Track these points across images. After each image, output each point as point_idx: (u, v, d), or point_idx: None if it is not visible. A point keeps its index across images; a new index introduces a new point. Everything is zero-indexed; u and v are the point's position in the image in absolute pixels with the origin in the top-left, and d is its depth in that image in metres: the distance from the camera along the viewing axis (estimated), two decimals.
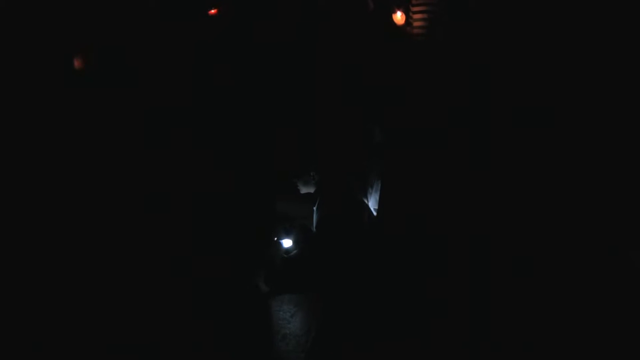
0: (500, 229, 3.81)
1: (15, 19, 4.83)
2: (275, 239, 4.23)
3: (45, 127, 4.76)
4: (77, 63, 5.00)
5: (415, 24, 5.18)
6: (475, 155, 4.07)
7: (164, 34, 5.18)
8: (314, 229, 4.33)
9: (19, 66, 4.77)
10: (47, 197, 4.51)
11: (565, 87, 4.03)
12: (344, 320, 3.71)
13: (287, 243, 4.20)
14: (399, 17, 5.03)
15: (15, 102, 4.69)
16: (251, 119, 4.92)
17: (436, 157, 4.12)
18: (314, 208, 4.36)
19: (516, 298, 3.51)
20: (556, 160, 3.90)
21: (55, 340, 3.66)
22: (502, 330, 3.39)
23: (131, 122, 4.80)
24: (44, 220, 4.38)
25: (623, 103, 3.89)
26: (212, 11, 5.26)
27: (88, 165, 4.64)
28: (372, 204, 4.39)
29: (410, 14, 5.20)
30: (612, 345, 3.20)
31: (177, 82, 5.00)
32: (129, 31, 5.18)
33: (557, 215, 3.77)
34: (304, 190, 4.53)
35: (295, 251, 4.19)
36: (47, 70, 4.88)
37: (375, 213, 4.36)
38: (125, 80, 5.01)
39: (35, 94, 4.78)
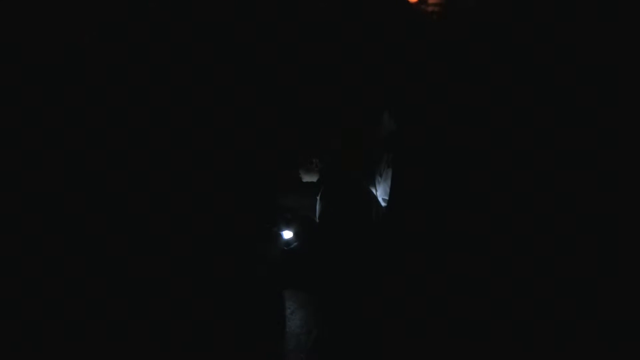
0: (516, 221, 3.68)
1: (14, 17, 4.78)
2: (275, 230, 4.09)
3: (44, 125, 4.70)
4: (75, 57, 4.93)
5: (431, 1, 5.00)
6: (495, 141, 3.89)
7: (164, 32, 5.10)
8: (317, 220, 4.14)
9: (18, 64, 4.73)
10: (48, 196, 4.47)
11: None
12: (348, 319, 3.58)
13: (287, 234, 4.05)
14: None
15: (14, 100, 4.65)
16: (247, 103, 4.79)
17: (452, 145, 3.93)
18: (317, 198, 4.16)
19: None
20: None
21: (55, 340, 3.66)
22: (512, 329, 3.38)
23: (129, 118, 4.74)
24: (44, 220, 4.34)
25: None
26: None
27: (88, 163, 4.60)
28: (381, 193, 4.19)
29: None
30: (611, 345, 3.21)
31: (176, 76, 4.92)
32: (129, 30, 5.10)
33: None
34: (306, 178, 4.34)
35: (296, 243, 4.03)
36: (45, 68, 4.84)
37: (383, 203, 4.15)
38: (125, 78, 4.92)
39: (34, 92, 4.73)
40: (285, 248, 4.02)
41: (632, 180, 3.64)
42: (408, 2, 4.85)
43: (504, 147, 3.80)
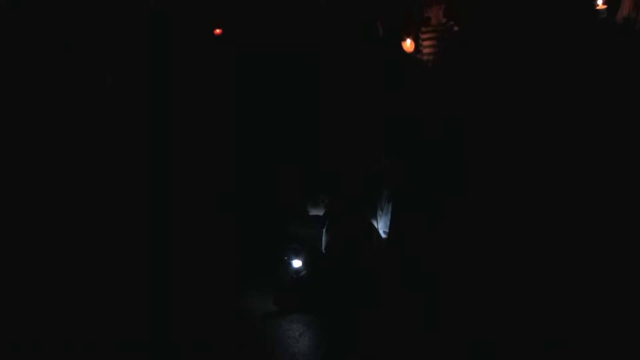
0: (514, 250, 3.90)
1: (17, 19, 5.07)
2: (285, 259, 4.28)
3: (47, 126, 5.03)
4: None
5: (425, 50, 5.35)
6: (486, 177, 4.18)
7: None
8: (323, 251, 4.38)
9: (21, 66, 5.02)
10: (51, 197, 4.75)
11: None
12: (352, 340, 3.74)
13: (296, 263, 4.24)
14: (408, 44, 5.20)
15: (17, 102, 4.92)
16: (261, 143, 5.04)
17: (449, 180, 4.23)
18: (323, 230, 4.41)
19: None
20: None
21: (54, 340, 3.78)
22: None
23: (140, 145, 5.04)
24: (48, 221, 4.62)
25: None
26: (217, 31, 5.44)
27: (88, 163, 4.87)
28: (382, 226, 4.46)
29: (420, 41, 5.37)
30: (613, 345, 3.23)
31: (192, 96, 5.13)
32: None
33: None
34: (313, 212, 4.60)
35: (304, 272, 4.23)
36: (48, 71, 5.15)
37: (384, 235, 4.43)
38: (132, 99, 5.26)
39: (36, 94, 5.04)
40: (295, 276, 4.23)
41: (632, 180, 3.81)
42: (405, 51, 5.21)
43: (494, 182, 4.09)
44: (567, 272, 3.70)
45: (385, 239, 4.40)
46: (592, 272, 3.67)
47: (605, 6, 4.84)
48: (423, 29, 5.40)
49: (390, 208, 4.40)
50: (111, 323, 3.91)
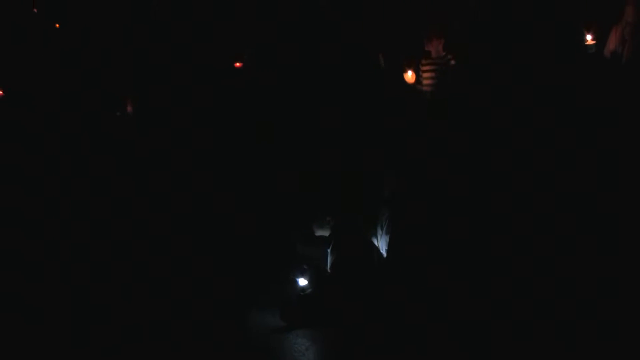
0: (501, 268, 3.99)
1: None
2: (292, 277, 4.42)
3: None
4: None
5: (425, 82, 5.67)
6: (485, 196, 4.32)
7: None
8: (328, 270, 4.55)
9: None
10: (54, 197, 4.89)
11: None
12: (356, 354, 3.87)
13: (302, 282, 4.38)
14: (409, 76, 5.51)
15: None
16: (271, 164, 5.24)
17: (447, 200, 4.38)
18: (328, 250, 4.57)
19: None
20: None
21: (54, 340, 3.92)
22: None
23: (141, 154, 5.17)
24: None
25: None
26: (237, 64, 5.73)
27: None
28: (382, 245, 4.65)
29: (420, 73, 5.69)
30: (613, 345, 3.29)
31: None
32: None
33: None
34: (319, 233, 4.76)
35: (310, 289, 4.38)
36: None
37: (385, 254, 4.61)
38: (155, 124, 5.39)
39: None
40: (301, 293, 4.37)
41: (632, 180, 3.89)
42: (406, 82, 5.48)
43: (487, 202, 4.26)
44: (570, 279, 3.74)
45: (385, 257, 4.57)
46: (593, 274, 3.72)
47: (594, 42, 5.20)
48: (423, 62, 5.80)
49: (390, 227, 4.58)
50: (113, 330, 4.04)
